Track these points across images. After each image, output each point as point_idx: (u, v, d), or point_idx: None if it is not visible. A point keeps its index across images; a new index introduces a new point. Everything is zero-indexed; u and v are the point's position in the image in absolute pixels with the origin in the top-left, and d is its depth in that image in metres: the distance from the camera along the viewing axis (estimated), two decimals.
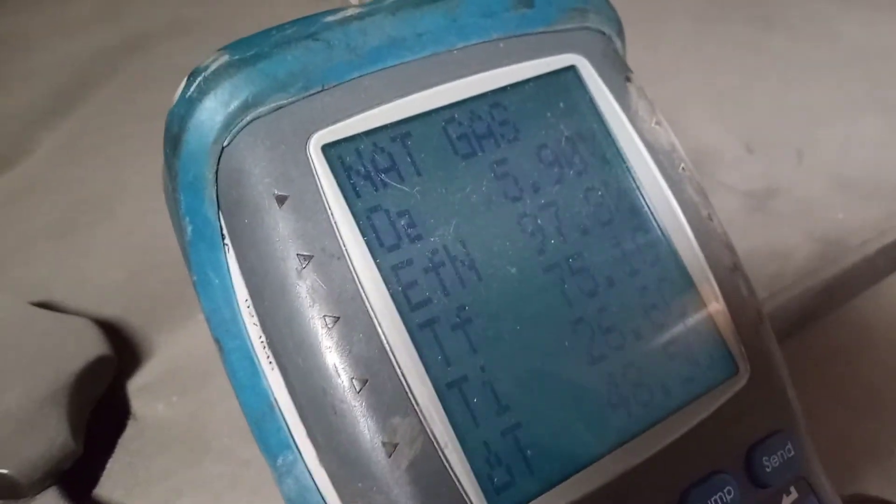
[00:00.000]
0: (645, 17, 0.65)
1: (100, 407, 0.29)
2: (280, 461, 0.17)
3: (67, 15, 0.69)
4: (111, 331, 0.32)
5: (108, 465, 0.28)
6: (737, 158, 0.47)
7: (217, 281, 0.18)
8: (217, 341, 0.18)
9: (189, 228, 0.18)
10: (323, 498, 0.17)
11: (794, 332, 0.38)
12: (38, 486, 0.24)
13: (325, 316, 0.16)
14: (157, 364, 0.33)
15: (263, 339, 0.17)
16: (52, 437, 0.24)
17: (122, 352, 0.32)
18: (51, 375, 0.26)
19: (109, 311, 0.35)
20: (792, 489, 0.20)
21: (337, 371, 0.16)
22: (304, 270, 0.16)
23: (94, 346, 0.28)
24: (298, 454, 0.17)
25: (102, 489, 0.27)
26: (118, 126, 0.51)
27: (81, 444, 0.26)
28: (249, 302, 0.17)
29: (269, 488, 0.29)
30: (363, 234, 0.17)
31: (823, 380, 0.41)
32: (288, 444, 0.17)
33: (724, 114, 0.51)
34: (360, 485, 0.16)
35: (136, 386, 0.31)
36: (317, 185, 0.17)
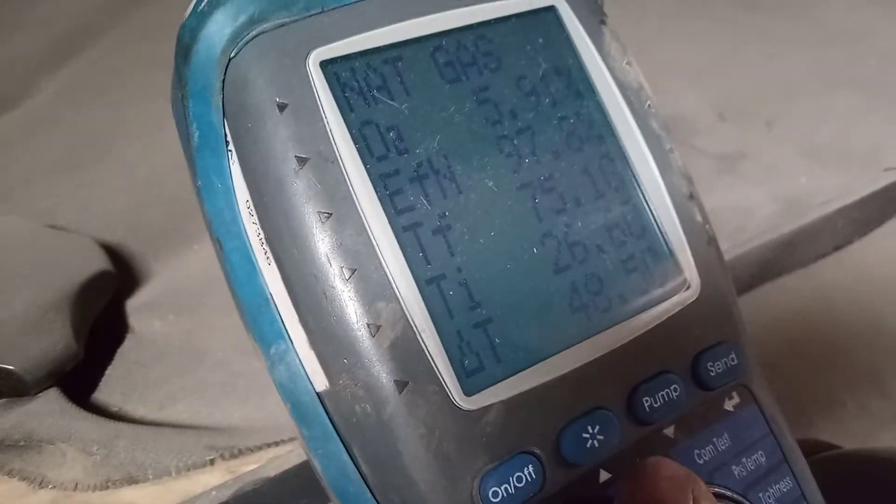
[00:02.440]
0: None
1: (101, 322, 0.30)
2: (273, 350, 0.19)
3: None
4: (112, 254, 0.34)
5: (107, 372, 0.29)
6: (709, 126, 0.49)
7: (220, 185, 0.20)
8: (218, 242, 0.20)
9: (196, 135, 0.20)
10: (310, 381, 0.19)
11: (756, 284, 0.40)
12: (41, 384, 0.26)
13: (319, 212, 0.18)
14: (155, 286, 0.34)
15: (262, 235, 0.19)
16: (55, 339, 0.26)
17: (123, 273, 0.34)
18: (56, 285, 0.27)
19: (111, 237, 0.37)
20: (734, 394, 0.22)
21: (328, 260, 0.18)
22: (301, 171, 0.18)
23: (96, 261, 0.30)
24: (290, 343, 0.19)
25: (101, 393, 0.29)
26: (121, 72, 0.52)
27: (83, 349, 0.27)
28: (250, 202, 0.19)
29: (259, 397, 0.31)
30: (355, 143, 0.19)
31: (784, 335, 0.44)
32: (281, 335, 0.19)
33: (700, 84, 0.53)
34: (345, 361, 0.18)
35: (135, 304, 0.33)
36: (314, 96, 0.19)
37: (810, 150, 0.49)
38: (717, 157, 0.47)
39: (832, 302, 0.46)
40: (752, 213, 0.42)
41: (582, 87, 0.22)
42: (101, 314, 0.30)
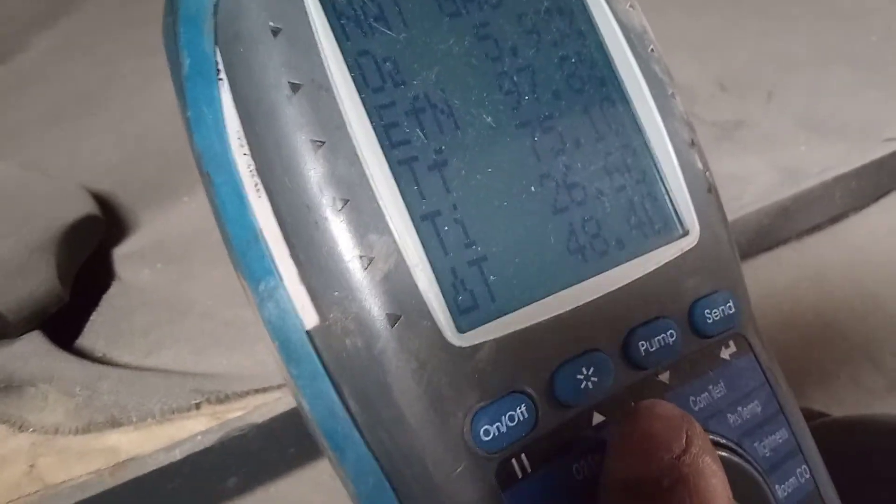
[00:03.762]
0: None
1: (88, 269, 0.30)
2: (262, 286, 0.19)
3: None
4: (101, 203, 0.33)
5: (92, 318, 0.29)
6: (710, 94, 0.48)
7: (210, 116, 0.19)
8: (207, 175, 0.20)
9: (187, 62, 0.19)
10: (300, 317, 0.18)
11: (752, 253, 0.40)
12: (25, 325, 0.25)
13: (311, 140, 0.18)
14: (143, 235, 0.34)
15: (252, 166, 0.18)
16: (39, 281, 0.25)
17: (111, 223, 0.33)
18: (41, 227, 0.27)
19: (100, 186, 0.36)
20: (731, 343, 0.22)
21: (321, 189, 0.17)
22: (294, 97, 0.18)
23: (83, 205, 0.30)
24: (279, 279, 0.18)
25: (85, 339, 0.28)
26: (113, 29, 0.51)
27: (68, 292, 0.27)
28: (241, 132, 0.19)
29: (247, 346, 0.31)
30: (350, 72, 0.18)
31: (778, 307, 0.43)
32: (270, 271, 0.19)
33: (701, 55, 0.52)
34: (336, 294, 0.17)
35: (123, 253, 0.33)
36: (309, 22, 0.18)
37: (810, 120, 0.49)
38: (715, 125, 0.47)
39: (826, 276, 0.46)
40: (750, 180, 0.42)
41: (584, 27, 0.22)
42: (87, 261, 0.30)
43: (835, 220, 0.44)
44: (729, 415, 0.21)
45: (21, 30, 0.52)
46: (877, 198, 0.45)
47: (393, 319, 0.17)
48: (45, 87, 0.47)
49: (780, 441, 0.22)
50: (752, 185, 0.41)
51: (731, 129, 0.46)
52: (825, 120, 0.49)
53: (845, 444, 0.33)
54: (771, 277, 0.43)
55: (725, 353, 0.21)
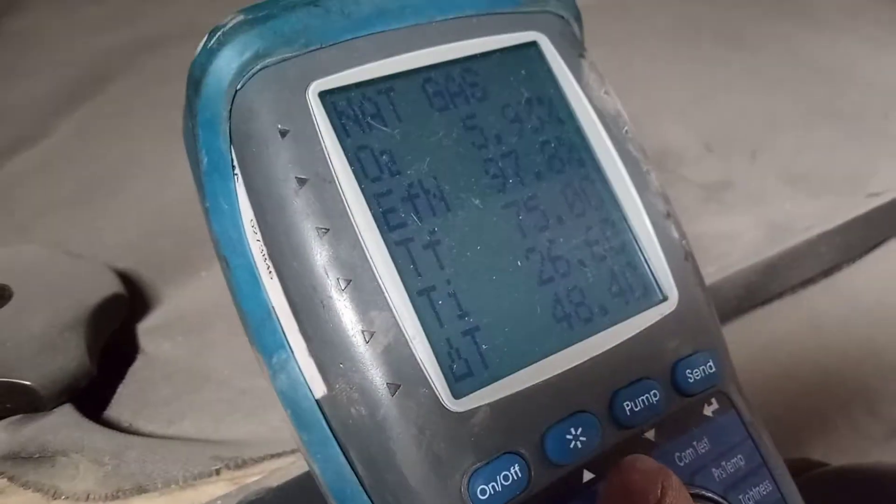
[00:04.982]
0: (622, 38, 0.70)
1: (114, 343, 0.32)
2: (275, 359, 0.21)
3: (86, 15, 0.73)
4: (124, 280, 0.36)
5: (119, 391, 0.31)
6: (697, 156, 0.51)
7: (227, 207, 0.21)
8: (224, 259, 0.22)
9: (205, 160, 0.21)
10: (309, 387, 0.20)
11: (744, 309, 0.41)
12: (56, 399, 0.27)
13: (317, 227, 0.19)
14: (164, 311, 0.36)
15: (265, 251, 0.21)
16: (70, 357, 0.27)
17: (134, 299, 0.35)
18: (71, 306, 0.29)
19: (123, 264, 0.38)
20: (713, 400, 0.23)
21: (326, 272, 0.19)
22: (301, 190, 0.20)
23: (109, 284, 0.32)
24: (290, 352, 0.20)
25: (112, 410, 0.30)
26: (134, 113, 0.55)
27: (96, 366, 0.29)
28: (254, 221, 0.21)
29: (262, 413, 0.32)
30: (351, 165, 0.20)
31: (776, 358, 0.44)
32: (282, 345, 0.20)
33: (688, 119, 0.55)
34: (341, 366, 0.19)
35: (146, 327, 0.35)
36: (313, 123, 0.20)
37: (794, 178, 0.51)
38: (702, 186, 0.49)
39: (822, 326, 0.47)
40: (737, 238, 0.44)
41: (562, 114, 0.24)
42: (113, 336, 0.32)
43: (828, 272, 0.45)
44: (714, 469, 0.22)
45: (46, 114, 0.55)
46: (868, 249, 0.46)
47: (393, 388, 0.19)
48: (69, 169, 0.49)
49: (765, 493, 0.23)
50: (740, 244, 0.43)
51: (718, 189, 0.48)
52: (809, 176, 0.50)
53: (844, 494, 0.34)
54: (768, 330, 0.44)
55: (708, 410, 0.23)
